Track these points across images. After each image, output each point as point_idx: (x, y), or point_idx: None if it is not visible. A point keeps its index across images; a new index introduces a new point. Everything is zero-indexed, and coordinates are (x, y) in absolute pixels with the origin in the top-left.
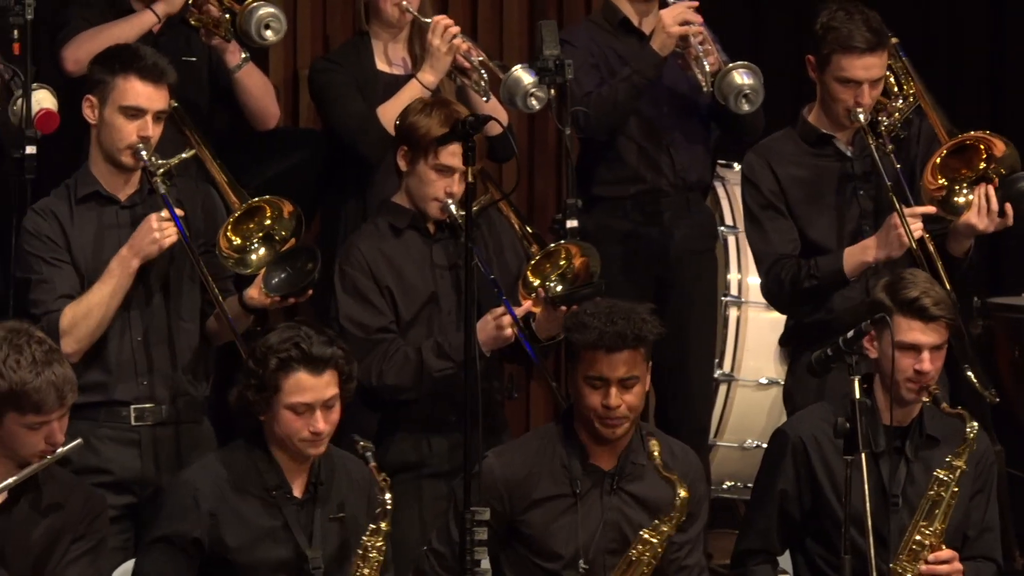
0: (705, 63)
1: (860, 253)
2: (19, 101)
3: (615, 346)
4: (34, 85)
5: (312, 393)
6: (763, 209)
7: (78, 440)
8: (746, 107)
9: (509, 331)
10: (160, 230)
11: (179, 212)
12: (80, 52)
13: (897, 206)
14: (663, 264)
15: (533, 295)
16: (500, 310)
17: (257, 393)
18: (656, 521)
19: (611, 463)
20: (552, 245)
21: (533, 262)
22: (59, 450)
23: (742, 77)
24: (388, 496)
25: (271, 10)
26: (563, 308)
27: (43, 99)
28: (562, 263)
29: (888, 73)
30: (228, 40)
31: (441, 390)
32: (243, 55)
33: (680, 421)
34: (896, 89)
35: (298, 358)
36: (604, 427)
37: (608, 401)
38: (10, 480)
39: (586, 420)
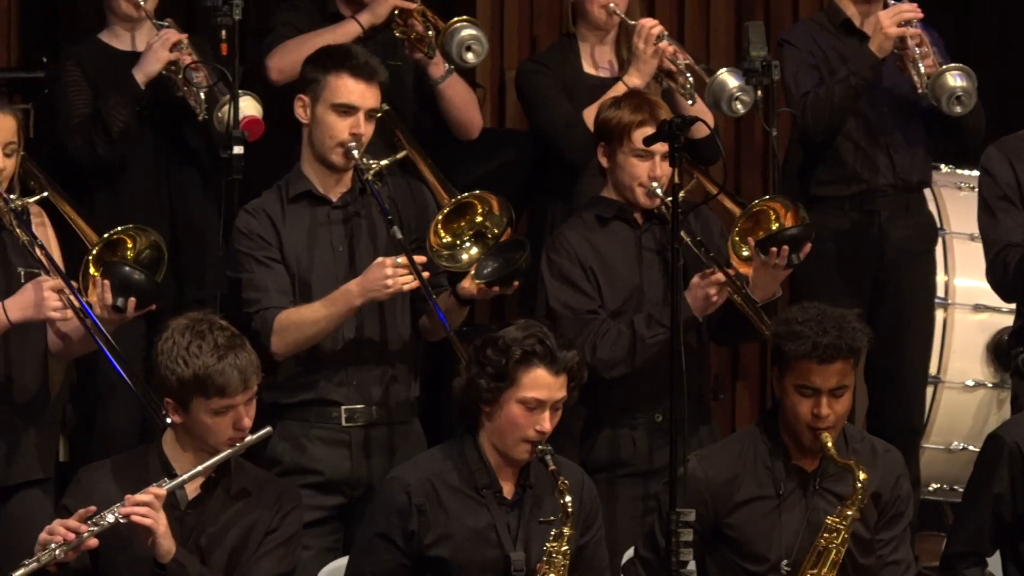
0: (921, 65)
1: None
2: (224, 107)
3: (828, 357)
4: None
5: (547, 391)
6: (998, 200)
7: (267, 428)
8: (958, 109)
9: (715, 290)
10: (393, 276)
11: (403, 260)
12: (284, 62)
13: None
14: (880, 265)
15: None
16: (708, 271)
17: (492, 382)
18: (839, 507)
19: (814, 464)
20: (756, 201)
21: (738, 227)
22: (248, 438)
23: (955, 79)
24: (568, 499)
25: (474, 32)
26: (773, 250)
27: (247, 107)
28: (774, 226)
29: None
30: (430, 57)
31: (650, 371)
32: (447, 67)
33: (892, 422)
34: None
35: (542, 354)
36: (812, 435)
37: (819, 410)
38: (199, 468)
39: (792, 428)
